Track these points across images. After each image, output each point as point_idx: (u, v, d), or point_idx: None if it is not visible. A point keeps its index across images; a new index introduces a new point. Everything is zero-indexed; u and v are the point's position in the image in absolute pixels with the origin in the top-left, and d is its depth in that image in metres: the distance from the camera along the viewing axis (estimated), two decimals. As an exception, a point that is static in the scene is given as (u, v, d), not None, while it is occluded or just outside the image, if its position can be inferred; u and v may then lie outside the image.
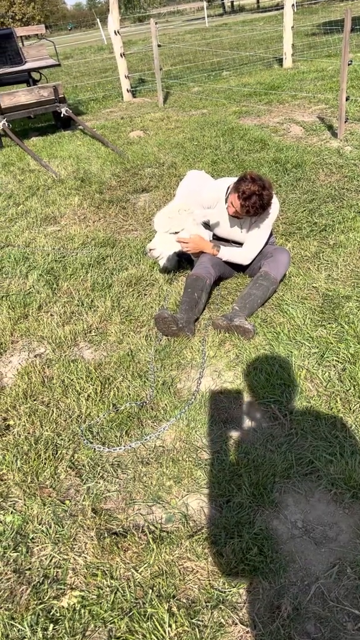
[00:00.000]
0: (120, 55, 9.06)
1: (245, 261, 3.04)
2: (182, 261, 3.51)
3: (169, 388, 2.44)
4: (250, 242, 3.00)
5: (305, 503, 1.84)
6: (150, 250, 2.98)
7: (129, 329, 2.92)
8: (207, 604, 1.57)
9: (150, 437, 2.17)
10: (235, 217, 2.95)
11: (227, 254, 3.02)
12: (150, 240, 3.06)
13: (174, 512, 1.86)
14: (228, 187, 2.87)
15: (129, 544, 1.76)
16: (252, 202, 2.70)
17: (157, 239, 2.99)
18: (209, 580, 1.63)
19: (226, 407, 2.30)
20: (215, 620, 1.53)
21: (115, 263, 3.67)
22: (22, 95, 6.83)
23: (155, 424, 2.26)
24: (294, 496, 1.87)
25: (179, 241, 2.94)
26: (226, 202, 2.93)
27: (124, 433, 2.22)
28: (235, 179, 2.86)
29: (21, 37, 8.12)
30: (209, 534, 1.76)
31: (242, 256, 3.02)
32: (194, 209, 2.96)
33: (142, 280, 3.40)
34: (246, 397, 2.33)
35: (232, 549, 1.70)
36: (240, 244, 3.10)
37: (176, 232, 2.95)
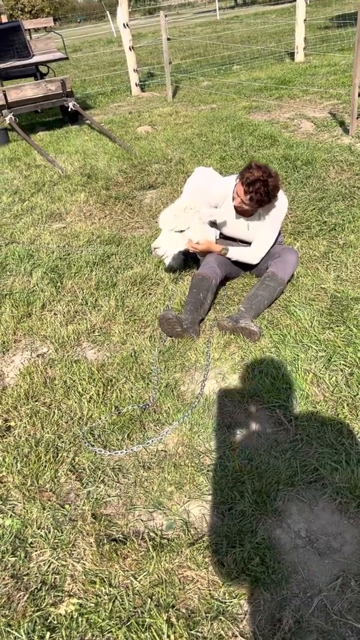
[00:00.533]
0: (130, 48, 9.02)
1: (254, 260, 3.01)
2: (188, 260, 3.48)
3: (173, 391, 2.42)
4: (258, 241, 2.97)
5: (309, 512, 1.82)
6: (155, 248, 2.96)
7: (133, 329, 2.90)
8: (207, 614, 1.55)
9: (152, 441, 2.16)
10: (241, 213, 2.92)
11: (236, 253, 2.99)
12: (156, 239, 3.03)
13: (175, 519, 1.85)
14: (235, 184, 2.85)
15: (129, 551, 1.75)
16: (256, 187, 2.67)
17: (162, 237, 2.97)
18: (209, 590, 1.61)
19: (230, 411, 2.28)
20: (215, 632, 1.51)
21: (120, 261, 3.65)
22: (29, 89, 6.82)
23: (157, 427, 2.24)
24: (297, 505, 1.84)
25: (188, 246, 2.91)
26: (233, 199, 2.90)
27: (125, 436, 2.20)
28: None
29: (29, 29, 8.10)
30: (210, 543, 1.74)
31: (250, 255, 2.99)
32: (201, 207, 2.93)
33: (147, 279, 3.38)
34: (251, 401, 2.31)
35: (233, 558, 1.68)
36: (247, 243, 3.07)
37: (182, 231, 2.93)
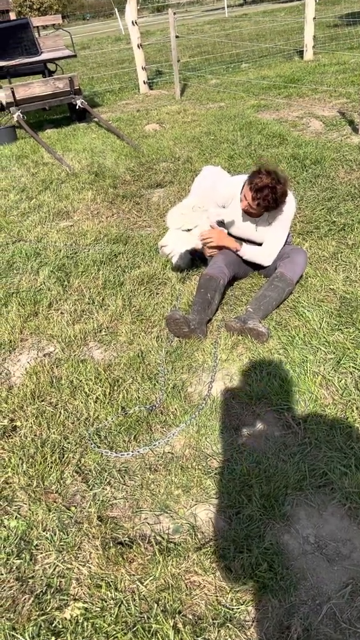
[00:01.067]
0: (138, 46, 8.99)
1: (266, 261, 3.00)
2: (196, 260, 3.46)
3: (180, 392, 2.40)
4: (269, 243, 2.95)
5: (318, 517, 1.79)
6: (162, 247, 2.94)
7: (140, 329, 2.89)
8: (214, 621, 1.53)
9: (159, 443, 2.14)
10: (249, 215, 2.90)
11: (249, 251, 2.97)
12: (163, 237, 3.02)
13: (182, 523, 1.83)
14: (244, 184, 2.83)
15: (135, 555, 1.73)
16: (264, 194, 2.66)
17: (169, 236, 2.95)
18: (217, 596, 1.59)
19: (238, 413, 2.26)
20: (222, 639, 1.49)
21: (127, 260, 3.63)
22: (37, 87, 6.81)
23: (164, 429, 2.23)
24: (306, 509, 1.82)
25: (201, 237, 2.88)
26: (241, 201, 2.87)
27: (132, 438, 2.19)
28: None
29: (37, 27, 8.08)
30: (217, 547, 1.72)
31: (263, 256, 2.98)
32: (209, 206, 2.91)
33: (154, 279, 3.36)
34: (259, 403, 2.29)
35: (241, 563, 1.66)
36: (255, 244, 3.05)
37: (189, 230, 2.91)
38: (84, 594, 1.64)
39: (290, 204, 2.86)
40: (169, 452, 2.11)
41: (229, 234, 3.14)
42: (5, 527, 1.88)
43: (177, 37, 8.11)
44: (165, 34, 17.99)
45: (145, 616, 1.56)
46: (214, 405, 2.31)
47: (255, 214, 2.87)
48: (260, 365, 2.48)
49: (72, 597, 1.64)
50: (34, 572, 1.73)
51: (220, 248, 3.00)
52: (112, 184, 5.09)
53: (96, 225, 4.28)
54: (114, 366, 2.61)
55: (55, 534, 1.83)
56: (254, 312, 2.74)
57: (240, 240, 3.05)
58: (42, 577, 1.70)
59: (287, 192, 2.75)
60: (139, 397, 2.39)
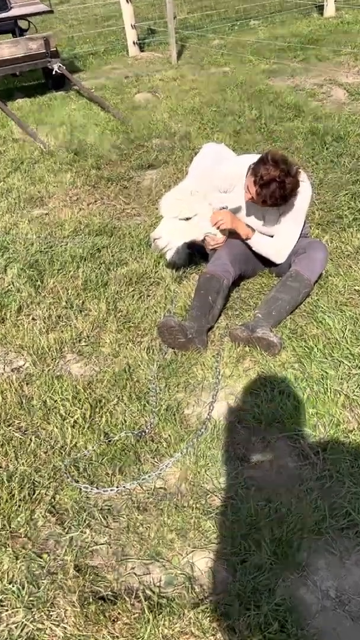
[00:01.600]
0: (126, 0, 9.03)
1: (278, 259, 2.99)
2: (194, 255, 3.46)
3: (174, 414, 2.39)
4: (281, 238, 2.95)
5: (339, 567, 1.79)
6: (155, 239, 2.93)
7: (127, 339, 2.88)
8: None
9: (149, 477, 2.12)
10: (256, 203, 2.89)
11: (260, 242, 2.95)
12: (156, 228, 3.02)
13: (176, 573, 1.82)
14: (250, 166, 2.83)
15: (119, 613, 1.72)
16: (270, 190, 2.66)
17: (163, 226, 2.94)
18: (218, 663, 1.58)
19: (244, 440, 2.25)
20: None
21: (112, 256, 3.63)
22: (6, 48, 6.82)
23: (156, 459, 2.21)
24: (326, 557, 1.82)
25: (213, 220, 2.88)
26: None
27: (117, 470, 2.17)
28: (256, 157, 2.81)
29: (6, -23, 8.11)
30: (218, 603, 1.71)
31: (274, 250, 2.97)
32: (210, 191, 2.92)
33: (144, 278, 3.36)
34: (269, 429, 2.27)
35: (247, 623, 1.65)
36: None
37: (187, 219, 2.90)
38: (57, 660, 1.63)
39: (304, 193, 2.86)
40: (161, 488, 2.10)
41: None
42: None
43: (173, -11, 8.15)
44: (160, -15, 18.07)
45: None
46: (215, 430, 2.30)
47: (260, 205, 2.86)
48: (271, 383, 2.46)
49: (43, 664, 1.62)
50: (-3, 633, 1.71)
51: (232, 233, 2.99)
52: (95, 164, 5.09)
53: (75, 213, 4.28)
54: (96, 383, 2.59)
55: (23, 587, 1.82)
56: (263, 318, 2.72)
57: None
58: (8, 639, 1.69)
59: (299, 183, 2.75)
60: (125, 421, 2.37)
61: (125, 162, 5.08)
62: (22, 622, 1.73)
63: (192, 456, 2.19)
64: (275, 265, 3.12)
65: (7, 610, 1.77)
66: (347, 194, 3.99)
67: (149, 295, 3.22)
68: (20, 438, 2.36)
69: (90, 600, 1.76)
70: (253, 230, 2.97)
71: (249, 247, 3.01)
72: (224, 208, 3.03)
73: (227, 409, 2.41)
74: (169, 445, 2.26)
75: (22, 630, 1.71)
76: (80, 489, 2.10)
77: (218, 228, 2.93)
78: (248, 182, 2.77)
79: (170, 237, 2.94)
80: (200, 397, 2.49)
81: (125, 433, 2.31)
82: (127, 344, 2.84)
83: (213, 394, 2.46)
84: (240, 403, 2.42)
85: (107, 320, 3.03)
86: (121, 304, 3.15)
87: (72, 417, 2.41)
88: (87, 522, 2.00)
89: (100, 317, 3.05)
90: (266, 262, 3.15)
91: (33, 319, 3.13)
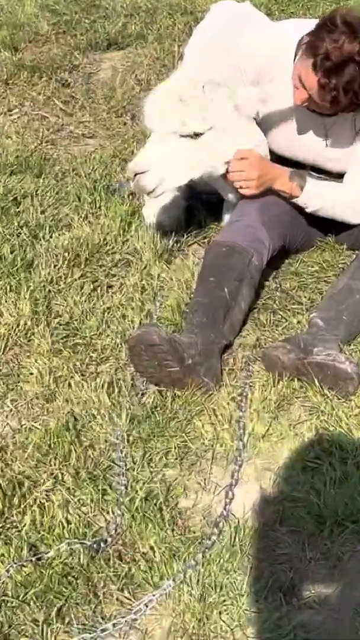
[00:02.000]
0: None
1: (355, 217, 2.29)
2: (196, 211, 2.68)
3: (161, 509, 1.71)
4: (357, 175, 2.25)
5: None
6: (137, 175, 2.12)
7: (72, 367, 2.13)
8: None
9: (114, 628, 1.47)
10: (311, 111, 2.21)
11: (320, 194, 2.26)
12: (137, 154, 2.19)
13: None
14: (303, 39, 2.08)
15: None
16: (344, 80, 1.94)
17: (152, 151, 2.14)
18: None
19: (292, 556, 1.58)
20: None
21: (42, 212, 2.75)
22: None
23: (126, 593, 1.55)
24: None
25: (237, 156, 2.17)
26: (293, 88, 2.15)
27: (54, 614, 1.49)
28: (312, 23, 2.07)
29: None
30: None
31: (347, 204, 2.29)
32: (233, 82, 2.15)
33: (102, 254, 2.53)
34: (338, 534, 1.63)
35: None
36: (324, 174, 2.33)
37: (196, 135, 2.10)
38: None
39: None
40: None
41: (273, 159, 2.38)
42: None
43: None
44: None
45: None
46: (237, 538, 1.63)
47: (324, 110, 2.15)
48: (341, 448, 1.82)
49: None
50: None
51: (257, 192, 2.24)
52: (12, 41, 3.92)
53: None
54: (14, 453, 1.87)
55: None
56: (327, 328, 2.09)
57: (291, 165, 2.33)
58: None
59: None
60: (68, 523, 1.68)
61: (65, 38, 4.00)
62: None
63: (195, 587, 1.54)
64: (350, 228, 2.40)
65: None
66: None
67: (111, 286, 2.42)
68: None
69: None
70: (302, 177, 2.22)
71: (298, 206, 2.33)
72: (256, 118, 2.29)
73: (259, 498, 1.71)
74: (150, 568, 1.57)
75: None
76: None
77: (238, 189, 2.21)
78: (300, 67, 2.05)
79: (165, 170, 2.11)
80: (208, 475, 1.76)
81: (67, 543, 1.63)
82: (71, 377, 2.06)
83: (233, 471, 1.78)
84: (283, 487, 1.72)
85: (33, 332, 2.23)
86: (59, 301, 2.34)
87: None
88: None
89: (21, 327, 2.25)
90: (330, 226, 2.45)
91: None
